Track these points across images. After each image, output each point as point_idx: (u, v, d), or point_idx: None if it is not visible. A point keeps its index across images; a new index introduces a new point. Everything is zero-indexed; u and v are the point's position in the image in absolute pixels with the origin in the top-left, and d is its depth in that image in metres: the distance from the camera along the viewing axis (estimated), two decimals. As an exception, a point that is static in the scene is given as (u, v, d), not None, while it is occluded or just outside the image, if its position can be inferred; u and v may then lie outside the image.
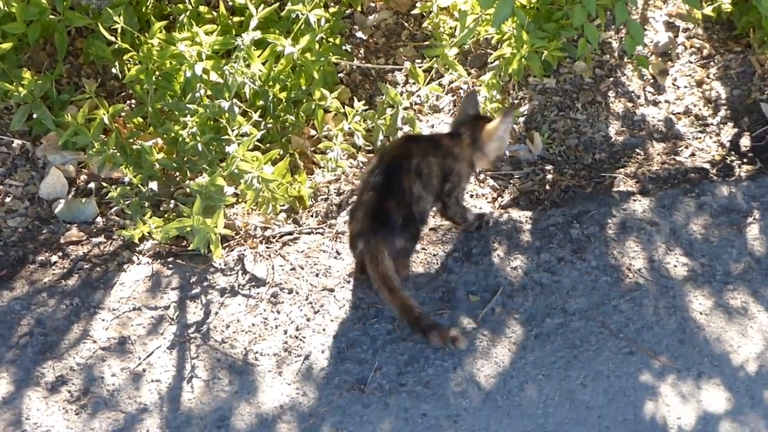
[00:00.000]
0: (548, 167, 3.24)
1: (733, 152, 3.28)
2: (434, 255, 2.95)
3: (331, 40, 3.46)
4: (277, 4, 3.27)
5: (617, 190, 3.15)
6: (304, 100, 3.27)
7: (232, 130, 2.90)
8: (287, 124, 3.25)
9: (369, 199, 2.73)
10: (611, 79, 3.52)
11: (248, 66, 3.01)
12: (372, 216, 2.70)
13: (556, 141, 3.33)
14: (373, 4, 3.78)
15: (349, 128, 3.15)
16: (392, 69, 3.60)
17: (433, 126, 3.43)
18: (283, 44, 3.12)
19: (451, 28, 3.54)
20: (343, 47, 3.54)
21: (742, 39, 3.63)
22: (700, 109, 3.44)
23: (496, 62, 3.32)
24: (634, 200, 3.10)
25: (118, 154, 3.04)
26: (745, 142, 3.32)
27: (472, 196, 3.17)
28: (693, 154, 3.28)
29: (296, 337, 2.74)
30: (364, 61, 3.63)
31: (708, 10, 3.54)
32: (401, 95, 3.30)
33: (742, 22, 3.56)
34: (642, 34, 2.81)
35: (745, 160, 3.25)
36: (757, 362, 2.66)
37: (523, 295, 2.83)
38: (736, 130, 3.36)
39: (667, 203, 3.08)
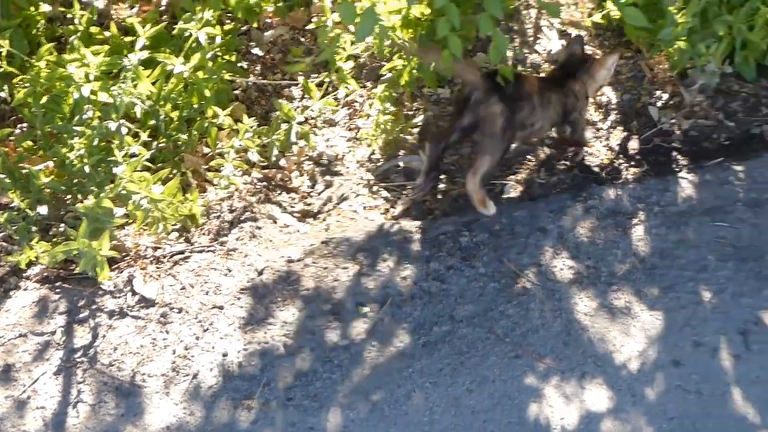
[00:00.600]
0: (441, 176, 3.30)
1: (621, 156, 3.38)
2: (324, 268, 3.00)
3: (226, 57, 3.50)
4: (166, 22, 3.29)
5: (507, 196, 3.23)
6: (197, 119, 3.30)
7: (120, 151, 2.92)
8: (180, 142, 3.28)
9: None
10: (504, 87, 3.62)
11: (136, 86, 3.04)
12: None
13: (449, 150, 3.40)
14: (269, 20, 3.83)
15: (242, 145, 3.19)
16: (288, 84, 3.65)
17: (328, 140, 3.48)
18: (173, 63, 3.15)
19: (345, 41, 3.60)
20: (239, 64, 3.58)
21: (632, 44, 3.74)
22: (591, 114, 3.53)
23: (389, 74, 3.39)
24: (524, 206, 3.18)
25: (6, 179, 3.04)
26: (633, 145, 3.42)
27: (364, 208, 3.23)
28: (583, 159, 3.37)
29: (184, 357, 2.76)
30: (260, 77, 3.67)
31: (598, 18, 3.64)
32: (296, 110, 3.35)
33: (630, 28, 3.67)
34: (506, 45, 2.90)
35: (632, 163, 3.35)
36: (639, 360, 2.75)
37: (412, 305, 2.88)
38: (625, 134, 3.47)
39: (556, 208, 3.16)
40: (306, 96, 3.57)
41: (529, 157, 3.39)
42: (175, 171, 3.20)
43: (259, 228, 3.12)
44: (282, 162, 3.38)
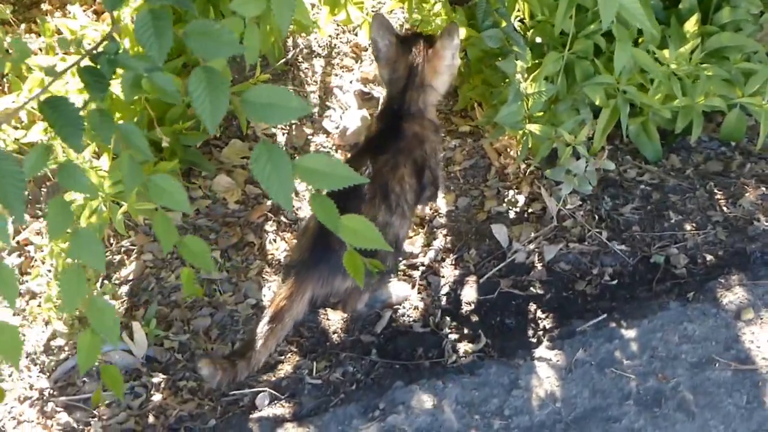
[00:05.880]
0: (158, 379, 2.26)
1: (448, 317, 2.35)
2: None
3: None
4: None
5: (259, 415, 2.19)
6: None
7: None
8: None
9: None
10: (270, 201, 2.56)
11: None
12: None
13: (175, 325, 2.35)
14: None
15: None
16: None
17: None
18: None
19: None
20: None
21: (469, 114, 2.70)
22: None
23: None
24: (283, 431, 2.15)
25: None
26: (468, 295, 2.40)
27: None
28: (389, 328, 2.35)
29: None
30: None
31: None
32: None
33: (463, 92, 2.63)
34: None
35: (464, 332, 2.32)
36: None
37: None
38: (456, 273, 2.44)
39: (334, 431, 2.15)
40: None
41: (303, 329, 2.35)
42: None
43: None
44: None
